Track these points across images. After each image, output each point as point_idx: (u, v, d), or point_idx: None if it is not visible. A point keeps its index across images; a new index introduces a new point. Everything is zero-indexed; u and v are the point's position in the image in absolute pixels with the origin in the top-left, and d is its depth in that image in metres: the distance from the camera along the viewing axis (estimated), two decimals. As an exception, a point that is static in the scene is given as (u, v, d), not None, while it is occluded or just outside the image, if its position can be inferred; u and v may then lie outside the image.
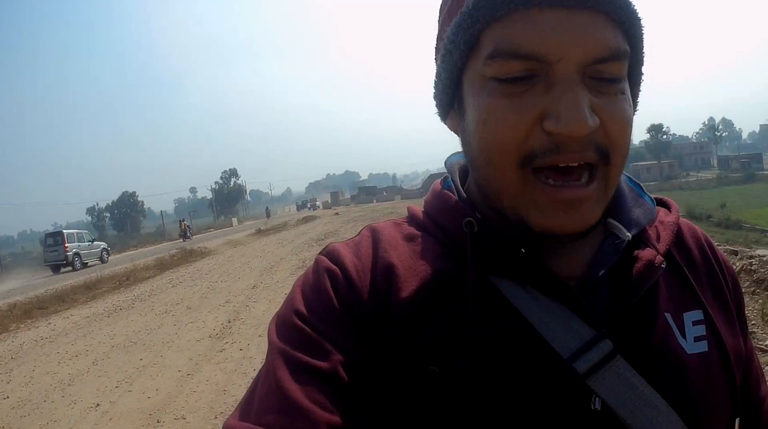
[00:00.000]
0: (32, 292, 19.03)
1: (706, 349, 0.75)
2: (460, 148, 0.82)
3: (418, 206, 0.88)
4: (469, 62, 0.70)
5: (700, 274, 0.83)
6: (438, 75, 0.78)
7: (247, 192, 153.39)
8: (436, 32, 0.80)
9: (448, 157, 0.93)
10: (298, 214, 75.96)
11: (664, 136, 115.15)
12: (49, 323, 13.13)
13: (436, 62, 0.79)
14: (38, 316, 14.32)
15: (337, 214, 51.77)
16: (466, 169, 0.87)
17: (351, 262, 0.75)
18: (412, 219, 0.85)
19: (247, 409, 0.67)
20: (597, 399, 0.67)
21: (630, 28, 0.68)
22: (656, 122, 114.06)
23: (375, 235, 0.81)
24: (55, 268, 33.30)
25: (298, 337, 0.69)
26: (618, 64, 0.65)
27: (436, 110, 0.84)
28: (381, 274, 0.74)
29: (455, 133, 0.80)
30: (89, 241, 35.64)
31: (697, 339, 0.75)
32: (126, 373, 7.64)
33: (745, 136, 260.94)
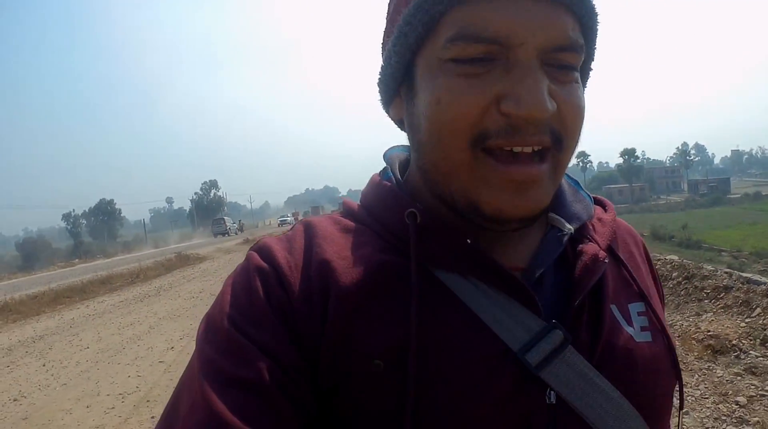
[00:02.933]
0: (41, 288, 20.39)
1: (651, 339, 0.76)
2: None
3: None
4: (426, 44, 0.69)
5: (636, 267, 0.85)
6: (387, 59, 0.76)
7: (226, 204, 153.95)
8: (387, 16, 0.78)
9: (387, 151, 0.91)
10: (280, 228, 78.01)
11: (637, 160, 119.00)
12: (87, 306, 15.19)
13: (383, 48, 0.78)
14: (68, 304, 16.23)
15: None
16: (406, 162, 0.87)
17: (283, 258, 0.72)
18: (348, 212, 0.83)
19: (170, 423, 0.64)
20: (552, 392, 0.66)
21: (587, 23, 0.69)
22: (629, 147, 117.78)
23: (309, 230, 0.77)
24: None
25: (227, 344, 0.65)
26: (574, 54, 0.67)
27: (379, 97, 0.82)
28: (316, 271, 0.70)
29: (397, 121, 0.81)
30: None
31: (643, 329, 0.76)
32: (183, 332, 9.75)
33: (717, 160, 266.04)
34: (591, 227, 0.82)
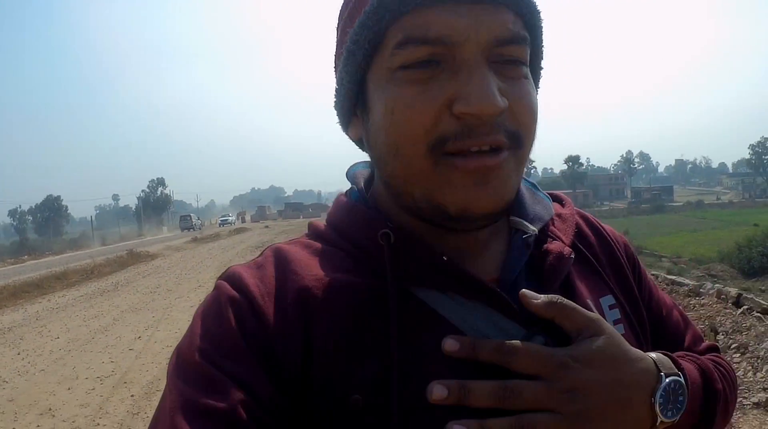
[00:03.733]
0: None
1: (624, 331, 0.78)
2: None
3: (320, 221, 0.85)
4: (374, 59, 0.70)
5: (601, 258, 0.87)
6: (340, 81, 0.77)
7: (173, 202, 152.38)
8: (336, 41, 0.80)
9: (350, 168, 0.90)
10: (221, 228, 78.65)
11: (581, 167, 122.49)
12: (49, 300, 15.80)
13: (336, 71, 0.79)
14: (28, 298, 16.74)
15: (266, 226, 55.36)
16: (370, 179, 0.86)
17: (255, 286, 0.70)
18: (316, 235, 0.82)
19: None
20: None
21: (530, 20, 0.70)
22: (574, 154, 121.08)
23: (280, 255, 0.76)
24: None
25: (199, 376, 0.64)
26: (519, 47, 0.68)
27: (337, 120, 0.82)
28: (292, 299, 0.69)
29: (357, 141, 0.81)
30: None
31: (615, 322, 0.79)
32: (148, 323, 10.61)
33: (661, 169, 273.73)
34: (552, 225, 0.83)
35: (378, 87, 0.70)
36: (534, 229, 0.79)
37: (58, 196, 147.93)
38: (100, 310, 12.94)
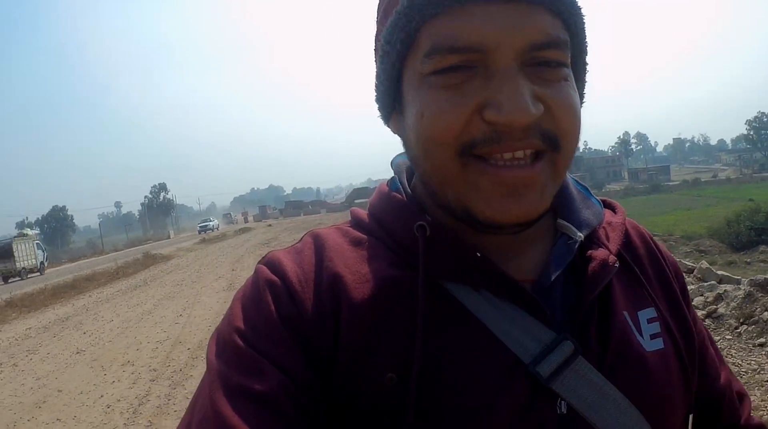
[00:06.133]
0: (29, 288, 23.25)
1: (662, 347, 0.76)
2: (398, 156, 0.86)
3: (363, 209, 0.85)
4: (408, 61, 0.69)
5: (648, 271, 0.84)
6: (378, 77, 0.76)
7: (175, 206, 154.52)
8: (374, 33, 0.78)
9: (395, 158, 0.89)
10: (230, 226, 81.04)
11: (578, 151, 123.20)
12: (90, 296, 18.23)
13: (375, 64, 0.78)
14: (68, 297, 19.08)
15: (270, 225, 58.14)
16: (413, 170, 0.85)
17: (293, 271, 0.72)
18: (357, 223, 0.82)
19: None
20: (562, 402, 0.67)
21: (569, 18, 0.67)
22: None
23: (318, 242, 0.77)
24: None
25: (237, 358, 0.66)
26: (557, 50, 0.65)
27: (378, 113, 0.81)
28: (327, 285, 0.70)
29: (399, 135, 0.78)
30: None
31: (653, 336, 0.76)
32: (183, 306, 12.94)
33: (660, 149, 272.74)
34: (602, 232, 0.80)
35: (411, 88, 0.69)
36: (580, 235, 0.76)
37: (64, 207, 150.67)
38: (139, 300, 15.30)
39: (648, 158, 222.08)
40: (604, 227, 0.82)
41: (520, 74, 0.63)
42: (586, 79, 0.76)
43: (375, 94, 0.80)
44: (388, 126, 0.80)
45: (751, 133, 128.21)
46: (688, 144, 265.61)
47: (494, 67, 0.63)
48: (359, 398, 0.66)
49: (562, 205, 0.80)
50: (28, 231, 45.59)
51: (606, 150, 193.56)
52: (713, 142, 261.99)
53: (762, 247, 19.72)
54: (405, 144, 0.76)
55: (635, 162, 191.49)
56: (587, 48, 0.73)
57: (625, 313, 0.76)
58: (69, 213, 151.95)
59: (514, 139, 0.63)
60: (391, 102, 0.76)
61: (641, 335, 0.75)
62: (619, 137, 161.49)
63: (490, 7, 0.62)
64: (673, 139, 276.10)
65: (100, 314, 13.81)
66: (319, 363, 0.67)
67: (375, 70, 0.78)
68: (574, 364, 0.68)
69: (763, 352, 5.58)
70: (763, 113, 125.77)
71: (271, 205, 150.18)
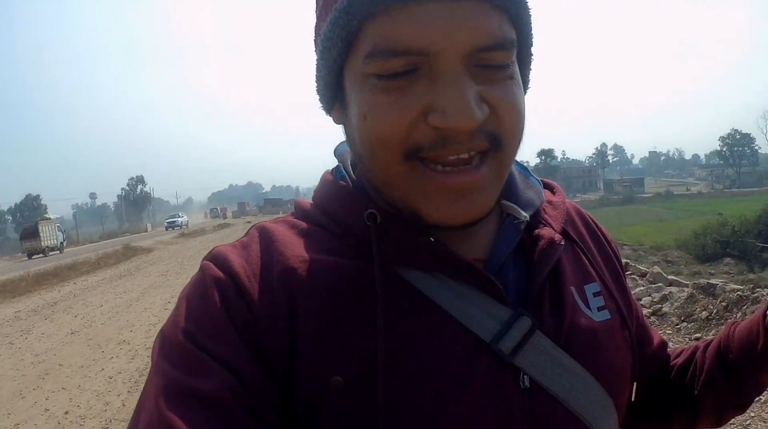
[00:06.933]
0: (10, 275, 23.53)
1: (609, 317, 0.79)
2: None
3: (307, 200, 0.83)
4: (349, 57, 0.67)
5: (591, 247, 0.87)
6: (318, 70, 0.74)
7: (152, 200, 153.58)
8: (313, 26, 0.75)
9: (338, 146, 0.87)
10: (212, 221, 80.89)
11: (555, 160, 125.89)
12: (74, 284, 18.62)
13: (315, 55, 0.75)
14: (51, 284, 19.41)
15: (248, 222, 58.21)
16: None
17: (240, 266, 0.69)
18: (303, 214, 0.79)
19: None
20: (525, 376, 0.68)
21: (516, 13, 0.65)
22: (548, 148, 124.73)
23: (265, 235, 0.74)
24: None
25: (184, 358, 0.63)
26: (504, 52, 0.63)
27: (319, 104, 0.78)
28: (278, 279, 0.68)
29: (342, 126, 0.76)
30: None
31: (599, 309, 0.79)
32: (172, 294, 13.44)
33: (636, 161, 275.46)
34: (544, 211, 0.82)
35: (353, 86, 0.67)
36: (525, 215, 0.78)
37: (38, 196, 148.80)
38: (125, 288, 15.79)
39: (624, 170, 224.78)
40: (545, 206, 0.84)
41: (465, 76, 0.62)
42: (531, 67, 0.76)
43: (315, 85, 0.78)
44: (330, 116, 0.78)
45: (724, 149, 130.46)
46: (663, 157, 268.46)
47: (438, 70, 0.62)
48: (322, 401, 0.65)
49: (506, 187, 0.79)
50: (50, 215, 51.39)
51: (583, 160, 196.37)
52: (687, 156, 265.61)
53: (727, 260, 20.13)
54: (348, 138, 0.75)
55: (611, 173, 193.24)
56: (533, 40, 0.72)
57: (573, 287, 0.79)
58: (43, 202, 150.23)
59: (460, 142, 0.62)
60: (333, 95, 0.74)
61: (589, 308, 0.78)
62: (596, 148, 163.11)
63: (433, 7, 0.60)
64: (649, 152, 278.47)
65: (89, 300, 14.28)
66: (272, 362, 0.65)
67: (315, 61, 0.76)
68: (532, 339, 0.70)
69: (698, 345, 6.38)
70: (736, 130, 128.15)
71: (249, 202, 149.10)
